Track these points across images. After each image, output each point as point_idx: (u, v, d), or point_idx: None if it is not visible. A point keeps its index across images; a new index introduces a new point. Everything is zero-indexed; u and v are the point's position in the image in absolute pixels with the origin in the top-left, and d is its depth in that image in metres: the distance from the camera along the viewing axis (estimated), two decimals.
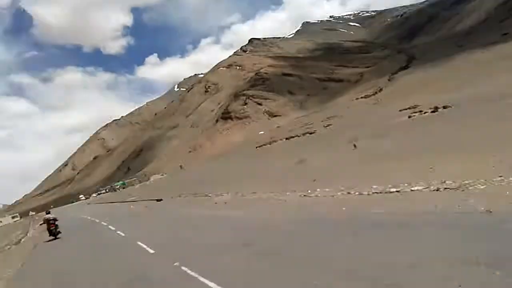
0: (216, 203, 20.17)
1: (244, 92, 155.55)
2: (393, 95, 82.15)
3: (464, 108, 33.69)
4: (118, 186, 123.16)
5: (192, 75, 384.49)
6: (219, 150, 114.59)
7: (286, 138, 68.56)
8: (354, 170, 18.74)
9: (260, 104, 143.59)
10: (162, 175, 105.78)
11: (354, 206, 10.65)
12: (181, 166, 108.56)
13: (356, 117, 63.57)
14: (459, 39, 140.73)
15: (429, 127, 27.98)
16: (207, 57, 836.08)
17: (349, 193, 12.90)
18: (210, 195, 25.30)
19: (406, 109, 47.72)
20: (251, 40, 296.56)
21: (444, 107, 36.78)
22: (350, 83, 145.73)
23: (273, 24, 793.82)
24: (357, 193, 12.57)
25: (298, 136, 65.10)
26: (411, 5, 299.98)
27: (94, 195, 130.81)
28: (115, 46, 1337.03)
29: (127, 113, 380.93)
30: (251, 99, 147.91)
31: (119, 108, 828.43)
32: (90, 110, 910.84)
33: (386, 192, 11.51)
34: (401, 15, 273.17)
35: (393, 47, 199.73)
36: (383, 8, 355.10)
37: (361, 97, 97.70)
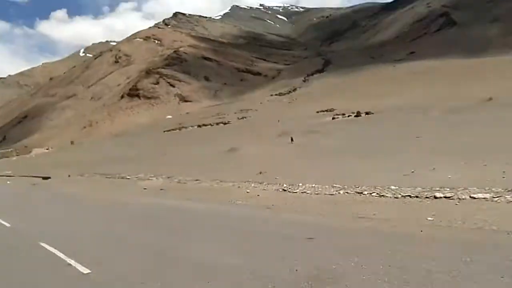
0: (145, 188, 16.84)
1: (158, 70, 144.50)
2: (308, 97, 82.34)
3: (385, 115, 38.63)
4: None
5: (103, 41, 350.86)
6: (119, 129, 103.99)
7: (198, 126, 65.98)
8: (304, 165, 18.37)
9: (172, 86, 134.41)
10: (48, 149, 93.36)
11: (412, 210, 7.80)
12: (72, 142, 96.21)
13: (273, 113, 63.82)
14: (373, 51, 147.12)
15: (352, 129, 32.48)
16: (123, 24, 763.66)
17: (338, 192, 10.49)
18: (129, 177, 21.76)
19: (323, 111, 53.08)
20: (175, 14, 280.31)
21: (367, 113, 41.70)
22: (267, 78, 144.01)
23: (202, 2, 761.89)
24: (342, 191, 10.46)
25: (211, 125, 62.64)
26: (338, 8, 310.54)
27: None
28: None
29: (16, 72, 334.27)
30: (164, 79, 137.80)
31: (8, 65, 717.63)
32: None
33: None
34: (327, 17, 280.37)
35: (314, 48, 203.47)
36: (311, 6, 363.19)
37: (276, 94, 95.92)
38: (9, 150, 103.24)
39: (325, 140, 27.30)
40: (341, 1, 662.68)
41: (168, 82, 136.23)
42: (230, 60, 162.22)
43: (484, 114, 27.29)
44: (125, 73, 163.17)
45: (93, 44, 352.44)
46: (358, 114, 42.84)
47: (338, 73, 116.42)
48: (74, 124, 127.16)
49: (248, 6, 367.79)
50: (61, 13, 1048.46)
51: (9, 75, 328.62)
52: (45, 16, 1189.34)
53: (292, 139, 29.16)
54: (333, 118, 43.44)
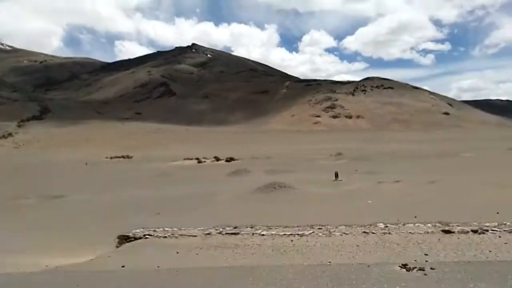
0: None
1: None
2: (36, 143, 72.67)
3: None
4: None
5: None
6: None
7: None
8: None
9: None
10: None
11: None
12: None
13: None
14: (99, 106, 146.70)
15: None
16: None
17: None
18: None
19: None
20: None
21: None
22: None
23: None
24: None
25: None
26: (54, 56, 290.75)
27: None
28: None
29: None
30: None
31: None
32: None
33: None
34: (41, 62, 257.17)
35: (25, 92, 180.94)
36: (19, 47, 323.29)
37: None
38: None
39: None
40: (54, 49, 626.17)
41: None
42: None
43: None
44: None
45: None
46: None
47: (61, 123, 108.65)
48: None
49: None
50: None
51: None
52: None
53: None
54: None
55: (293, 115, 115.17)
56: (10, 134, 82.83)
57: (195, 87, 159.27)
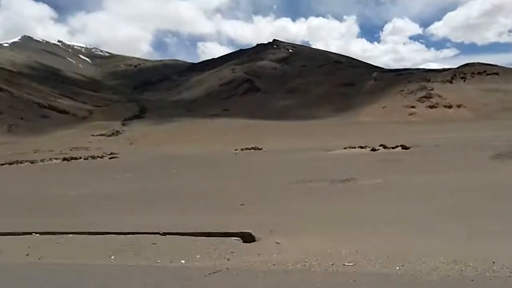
0: None
1: None
2: (143, 138, 79.15)
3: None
4: None
5: None
6: None
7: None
8: None
9: None
10: None
11: None
12: None
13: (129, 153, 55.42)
14: (189, 104, 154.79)
15: None
16: None
17: None
18: None
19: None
20: None
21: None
22: (77, 117, 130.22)
23: None
24: None
25: (32, 163, 47.51)
26: (146, 60, 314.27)
27: None
28: None
29: None
30: None
31: None
32: None
33: None
34: (136, 66, 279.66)
35: (124, 94, 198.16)
36: (115, 52, 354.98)
37: (98, 135, 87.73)
38: None
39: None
40: (146, 53, 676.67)
41: None
42: (26, 93, 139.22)
43: None
44: None
45: None
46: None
47: (158, 120, 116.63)
48: None
49: (43, 40, 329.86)
50: None
51: None
52: None
53: None
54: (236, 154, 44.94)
55: (384, 107, 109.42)
56: (118, 132, 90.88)
57: (279, 82, 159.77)
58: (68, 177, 28.77)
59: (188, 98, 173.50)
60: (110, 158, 46.43)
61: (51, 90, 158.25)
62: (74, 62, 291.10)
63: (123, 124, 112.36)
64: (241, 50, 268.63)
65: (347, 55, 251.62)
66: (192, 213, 11.87)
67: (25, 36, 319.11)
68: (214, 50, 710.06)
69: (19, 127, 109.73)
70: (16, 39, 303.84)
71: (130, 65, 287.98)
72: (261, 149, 45.91)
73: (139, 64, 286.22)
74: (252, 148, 46.90)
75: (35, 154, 56.76)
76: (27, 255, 7.37)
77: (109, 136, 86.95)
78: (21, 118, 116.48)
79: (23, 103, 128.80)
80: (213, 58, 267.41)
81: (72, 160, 45.53)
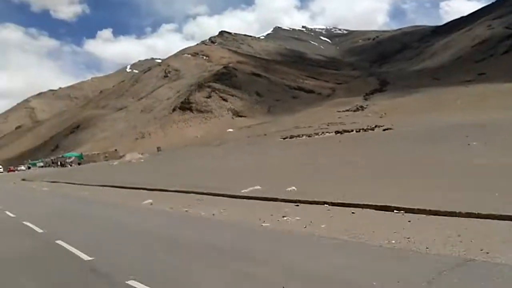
0: None
1: (210, 84, 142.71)
2: (400, 110, 76.26)
3: None
4: (71, 160, 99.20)
5: (148, 58, 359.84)
6: (174, 141, 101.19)
7: (298, 136, 55.80)
8: None
9: (225, 100, 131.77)
10: (142, 154, 74.85)
11: None
12: (158, 148, 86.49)
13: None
14: (434, 72, 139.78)
15: None
16: (165, 43, 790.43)
17: None
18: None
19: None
20: (221, 33, 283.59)
21: None
22: (321, 96, 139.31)
23: (241, 24, 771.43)
24: None
25: (309, 136, 53.35)
26: (384, 31, 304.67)
27: (22, 167, 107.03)
28: (67, 11, 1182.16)
29: (66, 85, 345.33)
30: (216, 93, 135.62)
31: (57, 80, 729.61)
32: (24, 75, 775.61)
33: None
34: (373, 39, 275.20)
35: (364, 69, 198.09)
36: (353, 29, 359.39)
37: (344, 110, 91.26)
38: (96, 153, 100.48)
39: None
40: (382, 24, 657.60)
41: (221, 97, 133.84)
42: (280, 77, 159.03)
43: None
44: (175, 87, 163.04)
45: (139, 60, 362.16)
46: None
47: (401, 93, 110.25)
48: (126, 135, 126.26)
49: (290, 28, 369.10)
50: (106, 33, 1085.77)
51: (60, 88, 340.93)
52: (92, 35, 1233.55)
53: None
54: None
55: None
56: (362, 107, 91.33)
57: None
58: (373, 148, 28.01)
59: (433, 65, 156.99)
60: (384, 130, 45.85)
61: (299, 73, 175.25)
62: (316, 44, 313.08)
63: (365, 99, 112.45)
64: (497, 0, 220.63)
65: None
66: None
67: (276, 27, 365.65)
68: (461, 7, 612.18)
69: (276, 108, 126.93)
70: (269, 31, 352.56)
71: (368, 38, 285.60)
72: None
73: (377, 37, 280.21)
74: None
75: (296, 130, 63.61)
76: None
77: (354, 111, 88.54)
78: (277, 100, 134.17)
79: (277, 86, 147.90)
80: (461, 17, 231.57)
81: (344, 133, 47.84)
